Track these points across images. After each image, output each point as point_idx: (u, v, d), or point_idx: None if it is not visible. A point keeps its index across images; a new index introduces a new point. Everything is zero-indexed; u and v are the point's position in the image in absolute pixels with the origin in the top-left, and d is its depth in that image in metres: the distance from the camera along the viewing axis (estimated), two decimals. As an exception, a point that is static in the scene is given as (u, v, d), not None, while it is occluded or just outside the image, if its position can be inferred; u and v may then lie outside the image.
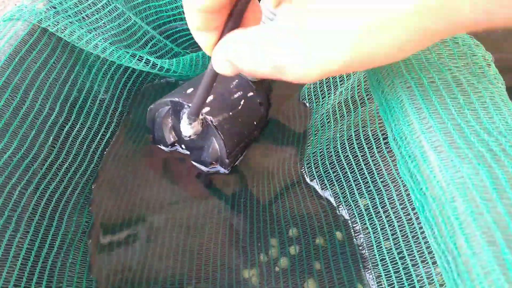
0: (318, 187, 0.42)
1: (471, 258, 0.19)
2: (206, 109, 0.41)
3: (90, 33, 0.44)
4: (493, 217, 0.19)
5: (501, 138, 0.22)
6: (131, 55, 0.44)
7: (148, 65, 0.45)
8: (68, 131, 0.43)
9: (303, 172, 0.43)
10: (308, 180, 0.43)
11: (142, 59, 0.45)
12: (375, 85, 0.29)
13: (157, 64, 0.45)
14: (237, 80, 0.46)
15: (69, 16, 0.43)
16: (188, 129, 0.40)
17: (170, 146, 0.47)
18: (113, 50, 0.44)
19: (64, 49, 0.45)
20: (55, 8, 0.42)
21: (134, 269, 0.39)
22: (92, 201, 0.44)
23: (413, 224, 0.32)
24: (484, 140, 0.22)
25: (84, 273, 0.39)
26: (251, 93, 0.46)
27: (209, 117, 0.41)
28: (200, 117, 0.40)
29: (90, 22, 0.45)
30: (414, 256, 0.32)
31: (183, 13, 0.56)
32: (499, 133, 0.22)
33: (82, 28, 0.44)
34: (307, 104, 0.49)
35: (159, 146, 0.47)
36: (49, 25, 0.42)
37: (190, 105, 0.41)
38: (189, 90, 0.44)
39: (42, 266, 0.36)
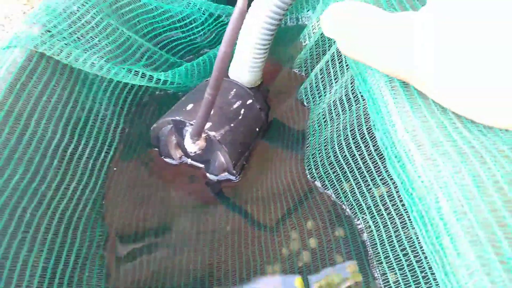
0: (320, 187, 0.42)
1: (456, 258, 0.19)
2: (208, 124, 0.42)
3: (86, 52, 0.45)
4: (476, 216, 0.19)
5: (482, 136, 0.22)
6: (127, 71, 0.45)
7: (144, 79, 0.46)
8: (72, 151, 0.44)
9: (305, 172, 0.44)
10: (310, 180, 0.43)
11: (138, 74, 0.45)
12: (362, 85, 0.29)
13: (154, 77, 0.46)
14: (234, 90, 0.46)
15: (64, 38, 0.44)
16: (192, 146, 0.41)
17: (177, 160, 0.47)
18: (109, 67, 0.45)
19: (63, 70, 0.46)
20: (50, 31, 0.43)
21: (151, 278, 0.40)
22: (105, 215, 0.45)
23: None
24: (466, 138, 0.22)
25: (101, 285, 0.40)
26: (250, 101, 0.47)
27: (212, 133, 0.42)
28: (203, 134, 0.41)
29: (85, 41, 0.46)
30: (418, 253, 0.32)
31: (177, 22, 0.57)
32: (479, 131, 0.22)
33: (78, 49, 0.45)
34: (305, 103, 0.49)
35: (166, 159, 0.48)
36: (45, 49, 0.43)
37: (192, 123, 0.41)
38: (189, 107, 0.44)
39: (59, 282, 0.38)
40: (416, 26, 0.23)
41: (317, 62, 0.50)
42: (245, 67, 0.45)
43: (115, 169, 0.49)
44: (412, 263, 0.32)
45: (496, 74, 0.21)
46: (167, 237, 0.42)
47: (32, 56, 0.43)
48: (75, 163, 0.45)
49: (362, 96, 0.37)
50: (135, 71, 0.45)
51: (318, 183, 0.42)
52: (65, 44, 0.44)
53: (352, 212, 0.39)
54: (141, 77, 0.46)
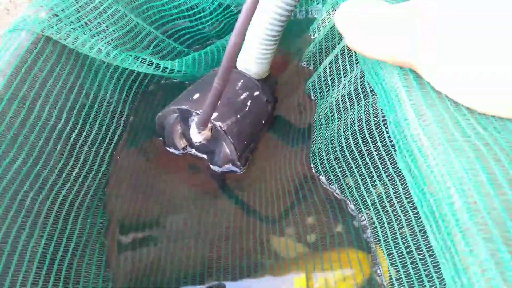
0: (325, 182, 0.41)
1: (468, 255, 0.18)
2: (215, 114, 0.41)
3: (93, 37, 0.44)
4: (490, 213, 0.18)
5: (496, 133, 0.21)
6: (134, 58, 0.45)
7: (151, 67, 0.45)
8: (76, 137, 0.44)
9: (310, 167, 0.43)
10: (315, 175, 0.42)
11: (145, 61, 0.45)
12: (374, 78, 0.29)
13: (160, 65, 0.45)
14: (242, 81, 0.46)
15: (72, 22, 0.44)
16: (198, 136, 0.40)
17: (181, 150, 0.47)
18: (116, 53, 0.44)
19: (70, 55, 0.45)
20: (57, 15, 0.43)
21: (151, 266, 0.39)
22: (106, 203, 0.45)
23: (420, 218, 0.31)
24: (480, 134, 0.21)
25: (100, 273, 0.40)
26: (257, 92, 0.46)
27: (218, 123, 0.41)
28: (209, 124, 0.40)
29: (92, 27, 0.45)
30: (422, 250, 0.31)
31: (186, 10, 0.56)
32: (494, 129, 0.22)
33: (85, 34, 0.44)
34: (312, 97, 0.49)
35: (170, 149, 0.48)
36: (52, 33, 0.42)
37: (198, 112, 0.41)
38: (196, 96, 0.44)
39: (58, 269, 0.38)
40: (418, 16, 0.23)
41: (326, 56, 0.49)
42: (253, 59, 0.44)
43: (118, 157, 0.48)
44: (416, 260, 0.32)
45: (497, 63, 0.21)
46: (168, 228, 0.42)
47: (39, 40, 0.42)
48: (78, 149, 0.44)
49: (371, 91, 0.37)
50: (142, 58, 0.45)
51: (323, 178, 0.42)
52: (73, 28, 0.43)
53: (356, 208, 0.38)
54: (148, 64, 0.45)
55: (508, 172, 0.20)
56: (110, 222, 0.43)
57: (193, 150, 0.46)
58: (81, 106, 0.46)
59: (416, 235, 0.32)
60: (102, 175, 0.46)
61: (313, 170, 0.43)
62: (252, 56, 0.44)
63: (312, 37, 0.55)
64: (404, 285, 0.32)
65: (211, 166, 0.45)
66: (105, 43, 0.45)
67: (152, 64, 0.45)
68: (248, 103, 0.45)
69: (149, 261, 0.40)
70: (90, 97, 0.47)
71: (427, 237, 0.32)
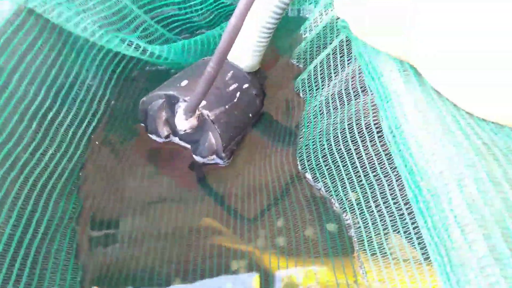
0: (310, 179, 0.41)
1: (466, 251, 0.18)
2: (203, 103, 0.40)
3: (79, 15, 0.42)
4: (490, 210, 0.18)
5: (493, 134, 0.21)
6: (120, 40, 0.43)
7: (138, 50, 0.44)
8: (53, 116, 0.42)
9: (296, 164, 0.43)
10: (301, 172, 0.42)
11: (132, 44, 0.43)
12: (372, 72, 0.28)
13: (148, 50, 0.44)
14: (232, 72, 0.45)
15: (57, -4, 0.42)
16: (184, 123, 0.39)
17: (164, 138, 0.45)
18: (102, 33, 0.42)
19: (52, 31, 0.43)
20: (43, -12, 0.41)
21: (122, 259, 0.38)
22: (80, 188, 0.43)
23: (405, 219, 0.31)
24: (479, 133, 0.21)
25: (70, 260, 0.38)
26: (246, 85, 0.45)
27: (206, 112, 0.40)
28: (197, 112, 0.39)
29: (79, 4, 0.43)
30: (405, 252, 0.31)
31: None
32: (491, 130, 0.22)
33: (71, 10, 0.42)
34: (301, 95, 0.49)
35: (152, 136, 0.46)
36: (36, 5, 0.40)
37: (186, 99, 0.40)
38: (184, 83, 0.42)
39: (26, 252, 0.35)
40: (410, 8, 0.23)
41: (317, 54, 0.49)
42: (247, 50, 0.43)
43: (96, 142, 0.46)
44: (400, 261, 0.32)
45: (487, 62, 0.21)
46: (142, 220, 0.40)
47: (21, 12, 0.40)
48: (55, 129, 0.42)
49: (363, 91, 0.37)
50: (129, 41, 0.43)
51: (308, 175, 0.41)
52: (58, 3, 0.41)
53: (341, 207, 0.38)
54: (135, 48, 0.44)
55: (506, 171, 0.20)
56: (83, 208, 0.41)
57: (177, 139, 0.45)
58: (60, 85, 0.44)
59: (401, 236, 0.32)
60: (78, 158, 0.44)
61: (299, 167, 0.42)
62: (247, 47, 0.43)
63: (304, 36, 0.55)
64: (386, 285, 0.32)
65: (194, 156, 0.44)
66: (91, 21, 0.43)
67: (139, 47, 0.44)
68: (237, 95, 0.44)
69: (120, 254, 0.38)
70: (71, 77, 0.45)
71: (411, 238, 0.32)
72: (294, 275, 0.36)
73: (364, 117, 0.35)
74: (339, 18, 0.32)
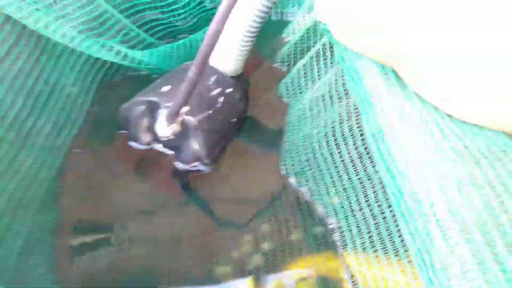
0: (295, 184, 0.41)
1: (449, 256, 0.18)
2: (185, 108, 0.40)
3: (58, 20, 0.41)
4: (472, 214, 0.18)
5: (474, 137, 0.21)
6: (101, 45, 0.42)
7: (119, 56, 0.43)
8: (31, 126, 0.41)
9: (281, 168, 0.42)
10: (285, 176, 0.42)
11: (113, 49, 0.42)
12: (353, 75, 0.28)
13: (128, 55, 0.43)
14: (215, 76, 0.44)
15: (35, 2, 0.41)
16: (166, 130, 0.38)
17: (146, 145, 0.45)
18: (82, 39, 0.41)
19: (30, 38, 0.42)
20: (19, -7, 0.40)
21: (104, 270, 0.37)
22: (60, 199, 0.41)
23: (387, 223, 0.31)
24: (459, 136, 0.21)
25: (48, 275, 0.37)
26: (230, 89, 0.45)
27: (188, 117, 0.40)
28: (179, 118, 0.38)
29: (58, 9, 0.42)
30: (389, 256, 0.31)
31: (159, 1, 0.54)
32: (472, 132, 0.22)
33: (49, 16, 0.41)
34: (285, 99, 0.48)
35: (133, 143, 0.45)
36: (12, 11, 0.39)
37: (167, 105, 0.39)
38: (165, 88, 0.42)
39: (2, 269, 0.34)
40: (398, 12, 0.23)
41: (300, 58, 0.49)
42: (230, 54, 0.43)
43: (78, 150, 0.45)
44: (383, 266, 0.31)
45: (476, 70, 0.21)
46: (125, 229, 0.39)
47: (-3, 18, 0.39)
48: (33, 138, 0.41)
49: (346, 94, 0.37)
50: (110, 46, 0.43)
51: (293, 180, 0.41)
52: (36, 9, 0.40)
53: (325, 211, 0.38)
54: (116, 54, 0.43)
55: (487, 174, 0.20)
56: (63, 220, 0.40)
57: (159, 146, 0.44)
58: (39, 93, 0.42)
59: (384, 241, 0.32)
60: (58, 168, 0.43)
61: (283, 172, 0.42)
62: (229, 51, 0.43)
63: (286, 40, 0.55)
64: (372, 290, 0.32)
65: (177, 163, 0.43)
66: (71, 27, 0.42)
67: (121, 53, 0.43)
68: (221, 100, 0.43)
69: (102, 268, 0.37)
70: (50, 84, 0.44)
71: (394, 242, 0.32)
72: (282, 280, 0.35)
73: (347, 120, 0.35)
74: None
